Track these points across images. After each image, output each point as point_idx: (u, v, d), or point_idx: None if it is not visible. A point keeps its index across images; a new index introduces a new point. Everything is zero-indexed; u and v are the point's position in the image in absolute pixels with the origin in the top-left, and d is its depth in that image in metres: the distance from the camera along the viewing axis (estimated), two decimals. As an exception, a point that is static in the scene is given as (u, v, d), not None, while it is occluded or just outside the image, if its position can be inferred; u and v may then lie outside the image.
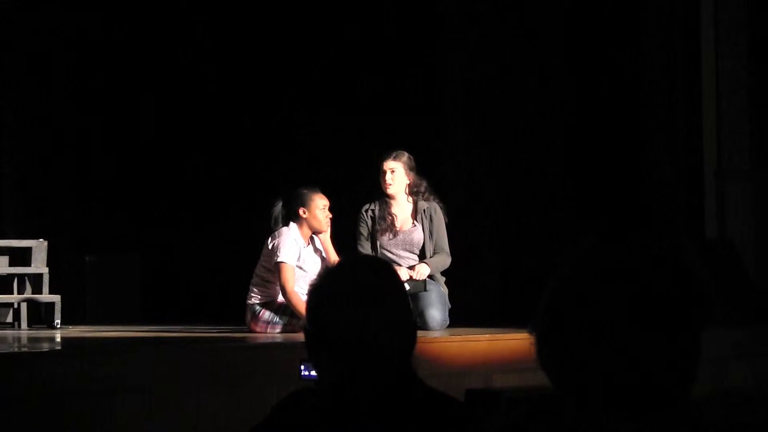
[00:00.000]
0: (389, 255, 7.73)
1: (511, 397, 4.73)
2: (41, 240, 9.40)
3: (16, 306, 8.99)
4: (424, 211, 7.76)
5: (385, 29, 10.37)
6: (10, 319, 9.11)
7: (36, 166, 10.71)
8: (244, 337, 7.25)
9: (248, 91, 10.84)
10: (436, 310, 7.51)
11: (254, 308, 7.50)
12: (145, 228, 10.84)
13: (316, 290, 2.49)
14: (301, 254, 7.43)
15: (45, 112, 10.72)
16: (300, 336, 2.93)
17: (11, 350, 6.71)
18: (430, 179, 7.91)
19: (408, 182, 7.77)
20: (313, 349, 2.46)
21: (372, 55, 10.31)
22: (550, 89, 9.86)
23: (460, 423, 2.45)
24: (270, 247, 7.43)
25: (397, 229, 7.77)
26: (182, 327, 8.28)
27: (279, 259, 7.31)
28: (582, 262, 1.71)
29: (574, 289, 1.69)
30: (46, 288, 9.11)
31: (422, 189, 7.80)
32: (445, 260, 7.77)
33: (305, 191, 7.50)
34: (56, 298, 8.91)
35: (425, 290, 7.52)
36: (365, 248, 7.77)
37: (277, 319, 7.43)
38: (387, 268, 2.58)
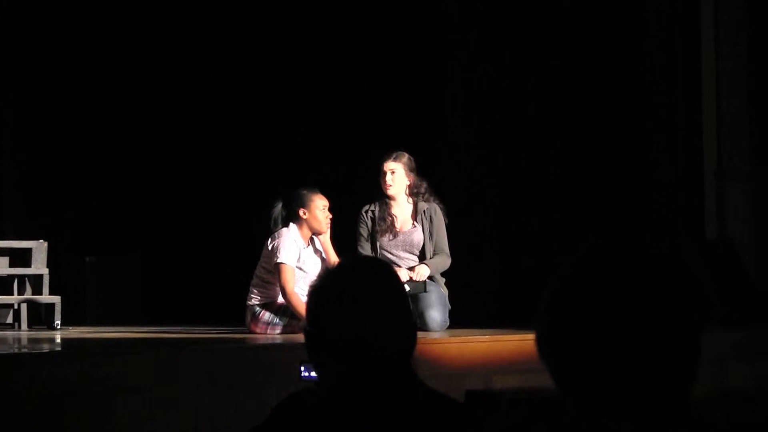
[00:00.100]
0: (389, 256, 7.73)
1: (511, 399, 4.73)
2: (41, 241, 9.40)
3: (16, 307, 8.99)
4: (424, 212, 7.76)
5: (385, 29, 10.37)
6: (10, 320, 9.11)
7: (36, 166, 10.71)
8: (244, 338, 7.25)
9: (248, 91, 10.84)
10: (436, 311, 7.51)
11: (254, 309, 7.50)
12: (145, 228, 10.84)
13: (316, 291, 2.49)
14: (301, 255, 7.42)
15: (45, 112, 10.72)
16: (300, 337, 2.93)
17: (11, 351, 6.70)
18: (430, 179, 7.90)
19: (408, 183, 7.77)
20: (313, 350, 2.46)
21: (372, 55, 10.31)
22: (550, 89, 9.86)
23: (460, 424, 2.45)
24: (270, 248, 7.42)
25: (397, 230, 7.77)
26: (182, 328, 8.28)
27: (279, 260, 7.30)
28: (582, 262, 1.71)
29: (574, 289, 1.69)
30: (46, 289, 9.11)
31: (422, 190, 7.80)
32: (445, 261, 7.77)
33: (305, 192, 7.50)
34: (56, 299, 8.90)
35: (425, 291, 7.52)
36: (365, 249, 7.77)
37: (277, 320, 7.43)
38: (387, 269, 2.58)
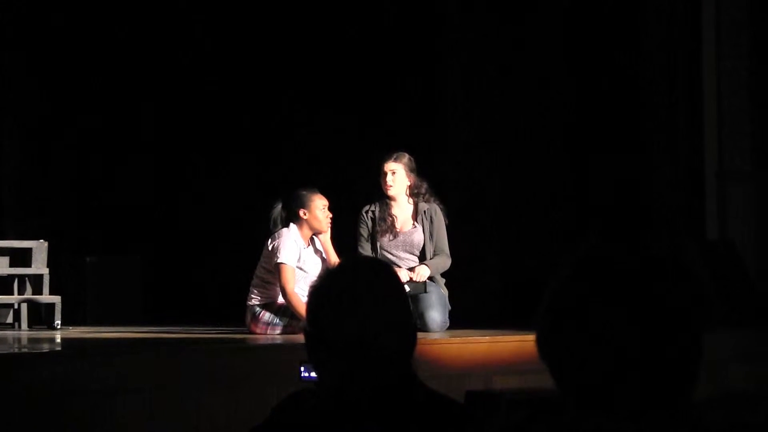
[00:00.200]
0: (389, 256, 7.73)
1: (511, 399, 4.73)
2: (41, 241, 9.40)
3: (16, 307, 8.99)
4: (425, 212, 7.76)
5: (385, 29, 10.37)
6: (10, 319, 9.11)
7: (36, 166, 10.71)
8: (244, 339, 7.25)
9: (248, 91, 10.84)
10: (436, 311, 7.51)
11: (254, 309, 7.49)
12: (145, 228, 10.84)
13: (316, 291, 2.49)
14: (301, 255, 7.42)
15: (45, 112, 10.72)
16: (300, 337, 2.93)
17: (11, 351, 6.70)
18: (430, 180, 7.90)
19: (409, 184, 7.77)
20: (313, 351, 2.45)
21: (372, 56, 10.31)
22: (550, 89, 9.86)
23: (460, 425, 2.44)
24: (270, 248, 7.42)
25: (398, 230, 7.77)
26: (182, 328, 8.28)
27: (279, 261, 7.30)
28: (582, 262, 1.71)
29: (575, 289, 1.68)
30: (46, 289, 9.11)
31: (423, 190, 7.80)
32: (445, 262, 7.76)
33: (304, 192, 7.50)
34: (56, 299, 8.90)
35: (425, 292, 7.52)
36: (365, 249, 7.76)
37: (277, 321, 7.43)
38: (387, 269, 2.57)
